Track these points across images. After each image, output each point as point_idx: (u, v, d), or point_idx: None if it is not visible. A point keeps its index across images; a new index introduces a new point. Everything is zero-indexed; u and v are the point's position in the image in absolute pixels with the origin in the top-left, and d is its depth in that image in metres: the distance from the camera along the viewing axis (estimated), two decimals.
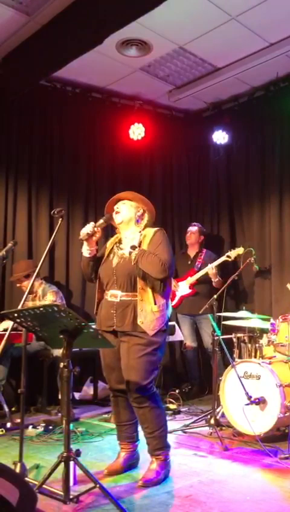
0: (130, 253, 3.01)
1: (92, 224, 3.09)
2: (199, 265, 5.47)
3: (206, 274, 5.27)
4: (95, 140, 5.81)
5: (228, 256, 5.13)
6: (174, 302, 5.48)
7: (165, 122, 6.19)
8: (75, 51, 4.52)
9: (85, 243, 3.12)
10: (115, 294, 3.03)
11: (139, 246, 3.02)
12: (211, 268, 5.21)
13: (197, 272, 5.40)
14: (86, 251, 3.15)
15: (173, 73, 5.39)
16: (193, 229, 5.70)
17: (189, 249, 5.74)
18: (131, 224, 3.17)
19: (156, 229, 3.16)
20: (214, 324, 4.05)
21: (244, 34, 4.60)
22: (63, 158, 5.61)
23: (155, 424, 2.96)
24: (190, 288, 5.42)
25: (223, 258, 5.19)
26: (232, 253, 5.12)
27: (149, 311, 2.94)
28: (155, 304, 2.96)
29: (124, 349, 2.96)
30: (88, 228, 3.06)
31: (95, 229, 3.09)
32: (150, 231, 3.13)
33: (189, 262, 5.60)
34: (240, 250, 5.09)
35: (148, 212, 3.24)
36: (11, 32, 4.50)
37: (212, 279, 5.28)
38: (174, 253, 6.10)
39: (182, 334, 5.36)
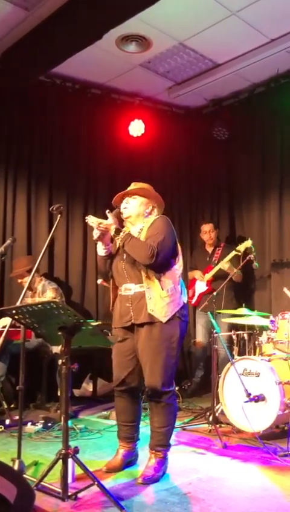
0: (114, 236, 2.95)
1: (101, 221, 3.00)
2: (216, 262, 5.40)
3: (222, 270, 5.18)
4: (95, 136, 5.79)
5: (237, 251, 5.01)
6: (194, 300, 5.46)
7: (165, 119, 6.17)
8: (74, 46, 4.51)
9: (99, 243, 3.06)
10: (129, 288, 3.00)
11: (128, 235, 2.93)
12: (223, 264, 5.14)
13: (214, 268, 5.34)
14: (102, 250, 3.09)
15: (173, 70, 5.37)
16: (207, 227, 5.60)
17: (206, 244, 5.68)
18: (139, 219, 3.12)
19: (157, 216, 3.11)
20: (213, 321, 4.03)
21: (244, 30, 4.58)
22: (63, 154, 5.59)
23: (165, 420, 2.95)
24: (207, 285, 5.37)
25: (233, 253, 5.08)
26: (241, 247, 5.00)
27: (158, 298, 2.88)
28: (163, 289, 2.90)
29: (143, 346, 2.92)
30: (99, 227, 2.99)
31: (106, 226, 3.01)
32: (151, 219, 3.08)
33: (207, 259, 5.55)
34: (248, 243, 4.95)
35: (158, 208, 3.20)
36: (10, 28, 4.48)
37: (230, 273, 5.13)
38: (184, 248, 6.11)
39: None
